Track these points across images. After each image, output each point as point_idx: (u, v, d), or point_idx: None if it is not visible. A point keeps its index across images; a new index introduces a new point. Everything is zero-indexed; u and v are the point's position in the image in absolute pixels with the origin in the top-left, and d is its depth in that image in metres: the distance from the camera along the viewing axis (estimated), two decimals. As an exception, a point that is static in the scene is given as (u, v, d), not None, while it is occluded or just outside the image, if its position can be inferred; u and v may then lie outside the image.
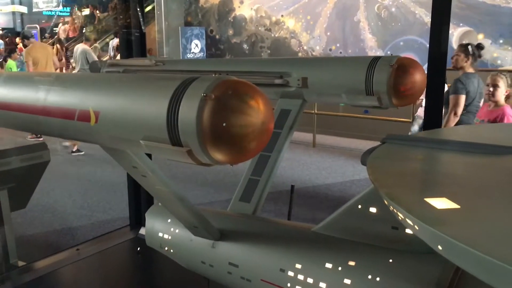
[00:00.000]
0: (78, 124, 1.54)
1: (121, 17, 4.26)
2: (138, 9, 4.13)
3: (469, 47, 5.07)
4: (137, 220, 4.38)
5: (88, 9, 17.94)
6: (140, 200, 4.36)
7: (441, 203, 0.99)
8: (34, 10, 20.43)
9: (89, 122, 1.49)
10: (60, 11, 19.72)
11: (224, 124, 1.19)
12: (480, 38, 8.33)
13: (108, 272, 3.78)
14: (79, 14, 18.13)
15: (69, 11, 19.56)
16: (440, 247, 0.86)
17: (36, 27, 18.86)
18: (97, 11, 17.36)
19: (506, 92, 4.41)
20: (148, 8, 12.43)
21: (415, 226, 0.93)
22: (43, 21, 20.27)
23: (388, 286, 1.58)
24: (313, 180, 6.76)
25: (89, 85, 1.64)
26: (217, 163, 1.27)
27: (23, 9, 20.99)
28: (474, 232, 0.87)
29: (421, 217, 0.92)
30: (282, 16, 11.19)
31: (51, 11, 19.98)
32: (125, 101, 1.41)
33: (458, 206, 0.98)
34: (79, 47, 10.30)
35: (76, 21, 17.59)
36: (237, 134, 1.20)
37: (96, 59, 9.90)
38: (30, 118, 1.75)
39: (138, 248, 3.86)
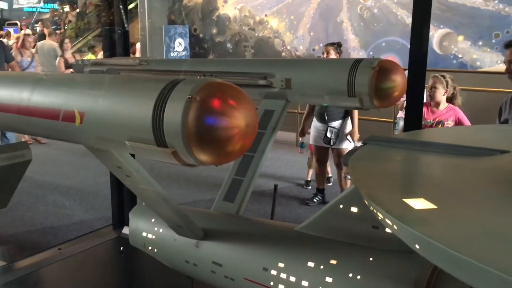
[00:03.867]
0: (62, 125, 1.54)
1: (103, 14, 4.23)
2: (121, 7, 4.10)
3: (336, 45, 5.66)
4: (120, 219, 4.37)
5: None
6: (123, 200, 4.34)
7: (419, 203, 1.02)
8: (15, 6, 20.12)
9: (74, 122, 1.49)
10: (41, 8, 19.45)
11: (209, 126, 1.21)
12: (460, 39, 8.47)
13: (91, 272, 3.76)
14: (29, 31, 17.15)
15: (49, 7, 19.26)
16: (417, 246, 0.89)
17: (17, 24, 18.59)
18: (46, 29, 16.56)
19: (445, 92, 4.71)
20: (131, 6, 12.34)
21: (394, 226, 0.96)
22: (23, 17, 19.97)
23: (368, 284, 1.62)
24: (296, 179, 6.81)
25: (74, 85, 1.64)
26: (201, 163, 1.29)
27: (3, 5, 20.66)
28: (450, 231, 0.90)
29: (399, 217, 0.95)
30: (265, 15, 11.21)
31: (32, 7, 19.69)
32: (111, 102, 1.42)
33: (435, 207, 1.01)
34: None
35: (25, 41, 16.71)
36: (222, 136, 1.22)
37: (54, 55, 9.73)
38: (14, 118, 1.75)
39: (121, 248, 3.85)
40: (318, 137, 5.62)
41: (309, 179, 6.51)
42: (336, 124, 5.50)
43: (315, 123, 5.68)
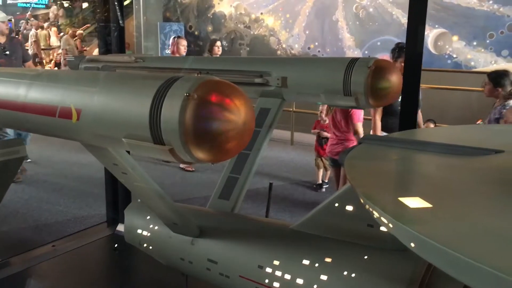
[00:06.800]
0: (59, 121, 1.54)
1: (98, 10, 4.21)
2: (116, 3, 4.08)
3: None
4: (114, 217, 4.36)
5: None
6: (117, 197, 4.33)
7: (414, 202, 1.03)
8: (9, 1, 19.98)
9: (71, 119, 1.49)
10: (35, 4, 19.32)
11: (206, 124, 1.21)
12: (455, 39, 8.50)
13: (85, 269, 3.76)
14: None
15: (44, 3, 19.11)
16: (412, 245, 0.90)
17: (11, 19, 18.45)
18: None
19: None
20: (126, 2, 12.28)
21: (389, 224, 0.97)
22: (17, 13, 19.83)
23: (363, 282, 1.63)
24: (291, 177, 6.81)
25: (71, 82, 1.64)
26: (198, 161, 1.29)
27: (-3, 0, 20.49)
28: (445, 230, 0.91)
29: (395, 215, 0.96)
30: (261, 13, 11.20)
31: (26, 3, 19.56)
32: (108, 99, 1.42)
33: (431, 205, 1.02)
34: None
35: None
36: (219, 134, 1.22)
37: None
38: (10, 115, 1.74)
39: (115, 245, 3.85)
40: None
41: (320, 181, 6.19)
42: None
43: None
